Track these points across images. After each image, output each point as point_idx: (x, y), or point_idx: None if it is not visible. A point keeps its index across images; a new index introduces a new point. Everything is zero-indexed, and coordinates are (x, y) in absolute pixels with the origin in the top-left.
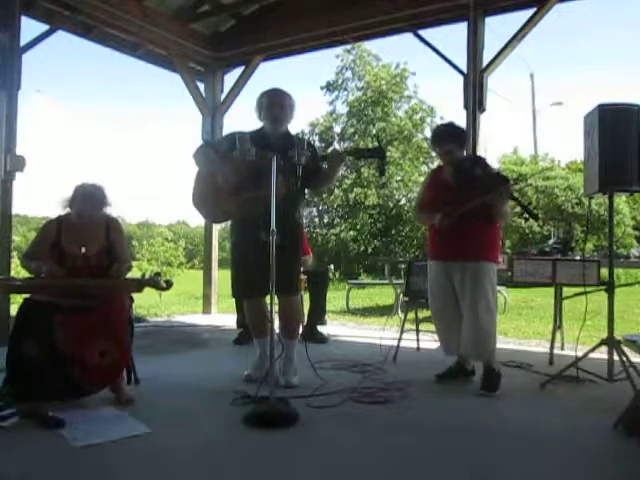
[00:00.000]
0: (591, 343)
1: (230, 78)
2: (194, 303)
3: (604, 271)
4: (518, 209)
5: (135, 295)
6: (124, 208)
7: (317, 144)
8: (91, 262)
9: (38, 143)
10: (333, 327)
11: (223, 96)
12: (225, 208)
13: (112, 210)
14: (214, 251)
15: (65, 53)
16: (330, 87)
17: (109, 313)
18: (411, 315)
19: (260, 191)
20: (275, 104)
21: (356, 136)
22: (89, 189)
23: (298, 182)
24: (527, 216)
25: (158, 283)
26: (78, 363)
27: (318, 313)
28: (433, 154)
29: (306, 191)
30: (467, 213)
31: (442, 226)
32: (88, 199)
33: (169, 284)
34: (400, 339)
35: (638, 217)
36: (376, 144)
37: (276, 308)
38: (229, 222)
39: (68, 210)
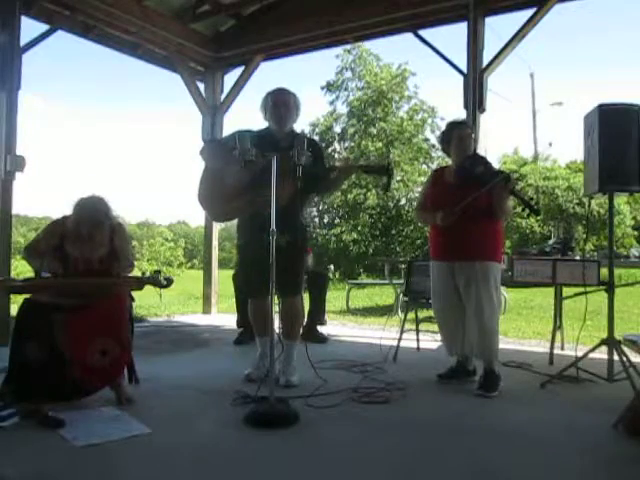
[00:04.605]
0: (591, 343)
1: (230, 78)
2: (194, 303)
3: (604, 271)
4: (519, 208)
5: (135, 295)
6: (124, 208)
7: None
8: (94, 267)
9: (38, 143)
10: (333, 327)
11: (223, 96)
12: (235, 205)
13: (117, 215)
14: (214, 251)
15: (65, 53)
16: (330, 87)
17: (110, 312)
18: (411, 315)
19: (269, 191)
20: (281, 104)
21: (356, 136)
22: (90, 207)
23: (299, 183)
24: (528, 212)
25: (158, 280)
26: (78, 363)
27: (318, 313)
28: (433, 154)
29: (312, 195)
30: (469, 212)
31: (444, 223)
32: (95, 219)
33: (169, 281)
34: (400, 339)
35: (638, 217)
36: (385, 163)
37: (276, 308)
38: (234, 223)
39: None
